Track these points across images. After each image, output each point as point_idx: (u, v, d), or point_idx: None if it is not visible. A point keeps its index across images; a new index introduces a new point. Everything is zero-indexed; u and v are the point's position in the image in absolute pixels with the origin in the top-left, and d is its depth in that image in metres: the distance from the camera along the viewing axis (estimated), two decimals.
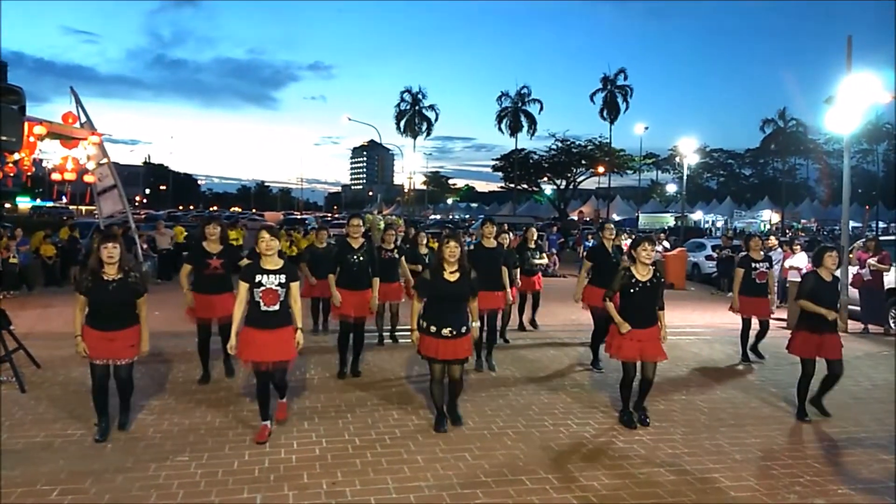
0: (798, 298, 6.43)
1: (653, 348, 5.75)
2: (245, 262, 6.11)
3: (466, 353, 5.57)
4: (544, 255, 10.94)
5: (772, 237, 15.85)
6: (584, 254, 9.50)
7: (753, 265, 8.50)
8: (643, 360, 5.77)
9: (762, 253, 8.69)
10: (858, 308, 11.66)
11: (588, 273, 8.14)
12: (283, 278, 5.16)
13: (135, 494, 4.24)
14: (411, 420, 5.84)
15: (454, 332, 5.39)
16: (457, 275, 5.44)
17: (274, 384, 5.42)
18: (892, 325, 11.49)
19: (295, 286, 5.27)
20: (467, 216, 64.82)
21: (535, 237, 10.33)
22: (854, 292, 11.70)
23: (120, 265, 5.05)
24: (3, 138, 6.82)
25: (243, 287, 5.14)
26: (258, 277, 5.10)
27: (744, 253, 8.75)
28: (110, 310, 5.05)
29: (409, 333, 9.00)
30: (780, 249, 14.18)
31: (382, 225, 22.03)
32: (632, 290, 5.71)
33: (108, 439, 5.11)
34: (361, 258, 7.14)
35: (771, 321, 8.86)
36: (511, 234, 10.72)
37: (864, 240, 13.90)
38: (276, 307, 5.13)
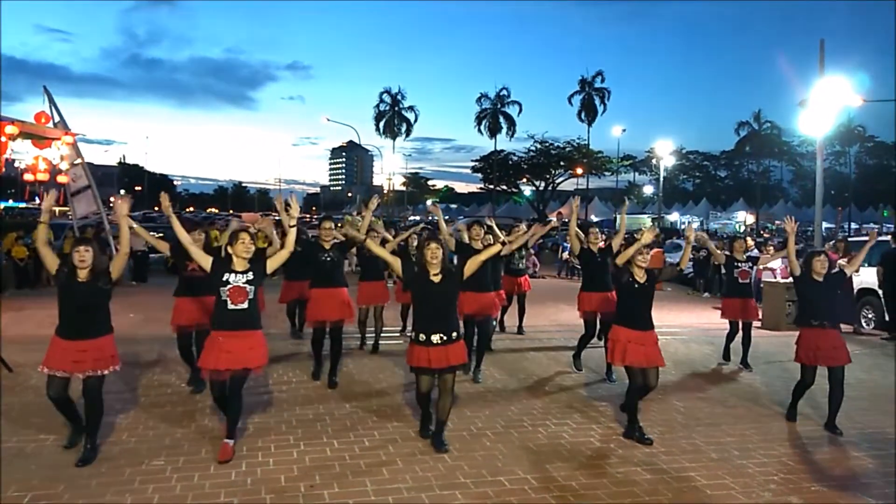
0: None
1: (655, 353, 5.67)
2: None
3: (460, 360, 5.21)
4: (532, 255, 10.86)
5: (748, 239, 16.03)
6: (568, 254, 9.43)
7: (736, 264, 8.59)
8: (650, 365, 5.64)
9: (745, 255, 8.79)
10: None
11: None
12: (251, 276, 5.01)
13: (109, 500, 4.18)
14: (390, 423, 5.82)
15: (444, 339, 5.10)
16: (440, 276, 5.20)
17: (228, 396, 4.96)
18: (864, 324, 11.70)
19: (271, 260, 5.21)
20: (447, 217, 64.65)
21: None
22: None
23: (92, 269, 4.87)
24: None
25: (206, 259, 5.08)
26: (226, 276, 4.95)
27: (727, 253, 8.86)
28: (80, 314, 4.83)
29: (393, 338, 9.03)
30: (756, 251, 14.35)
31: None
32: (632, 290, 5.68)
33: (77, 446, 4.96)
34: (333, 256, 7.04)
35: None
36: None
37: (833, 241, 14.11)
38: (245, 305, 4.96)
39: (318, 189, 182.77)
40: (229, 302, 4.93)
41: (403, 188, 78.72)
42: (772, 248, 13.61)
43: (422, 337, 5.10)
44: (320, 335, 7.07)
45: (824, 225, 25.24)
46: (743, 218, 54.75)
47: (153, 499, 4.22)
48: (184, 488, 4.38)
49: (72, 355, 4.76)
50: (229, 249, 5.08)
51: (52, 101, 14.36)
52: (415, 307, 5.35)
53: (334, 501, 4.27)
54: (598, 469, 4.94)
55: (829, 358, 6.03)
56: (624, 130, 48.70)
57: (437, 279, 5.18)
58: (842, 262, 11.41)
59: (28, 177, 13.31)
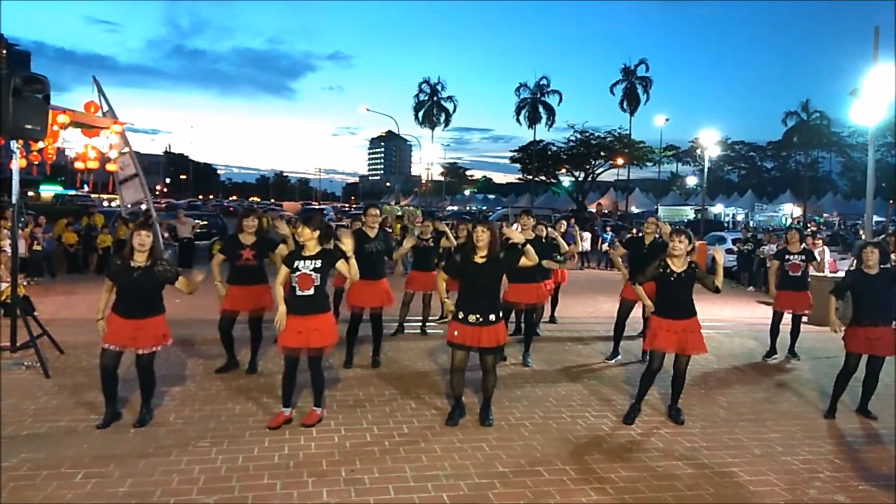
0: (832, 292, 6.48)
1: (694, 340, 5.66)
2: (281, 250, 6.32)
3: (495, 342, 5.36)
4: (571, 245, 10.70)
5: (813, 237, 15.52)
6: (621, 242, 9.20)
7: (787, 257, 8.40)
8: (683, 352, 5.68)
9: (801, 246, 8.52)
10: None
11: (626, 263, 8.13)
12: (318, 263, 5.23)
13: (156, 479, 4.30)
14: (429, 410, 5.86)
15: (481, 319, 5.26)
16: (485, 259, 5.34)
17: (311, 375, 5.38)
18: None
19: (339, 264, 5.34)
20: (484, 207, 64.67)
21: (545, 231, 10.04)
22: None
23: (150, 253, 5.12)
24: (29, 127, 6.91)
25: (284, 270, 5.30)
26: (297, 263, 5.23)
27: (782, 246, 8.65)
28: (135, 296, 5.11)
29: (436, 324, 9.17)
30: (820, 249, 13.88)
31: (399, 213, 22.03)
32: (668, 281, 5.65)
33: (111, 427, 5.14)
34: (378, 247, 7.14)
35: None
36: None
37: (883, 235, 13.68)
38: (311, 292, 5.20)
39: (356, 179, 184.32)
40: (298, 288, 5.20)
41: (441, 178, 78.70)
42: (820, 241, 13.24)
43: (460, 315, 5.34)
44: (357, 321, 7.19)
45: (875, 218, 24.49)
46: (789, 210, 53.33)
47: (199, 479, 4.32)
48: (228, 469, 4.48)
49: (127, 332, 5.07)
50: (297, 236, 5.36)
51: (100, 91, 14.68)
52: (460, 287, 5.49)
53: (374, 486, 4.32)
54: (638, 462, 4.89)
55: (879, 347, 6.03)
56: (667, 120, 47.76)
57: (480, 261, 5.36)
58: (893, 256, 11.12)
59: (78, 165, 13.63)
